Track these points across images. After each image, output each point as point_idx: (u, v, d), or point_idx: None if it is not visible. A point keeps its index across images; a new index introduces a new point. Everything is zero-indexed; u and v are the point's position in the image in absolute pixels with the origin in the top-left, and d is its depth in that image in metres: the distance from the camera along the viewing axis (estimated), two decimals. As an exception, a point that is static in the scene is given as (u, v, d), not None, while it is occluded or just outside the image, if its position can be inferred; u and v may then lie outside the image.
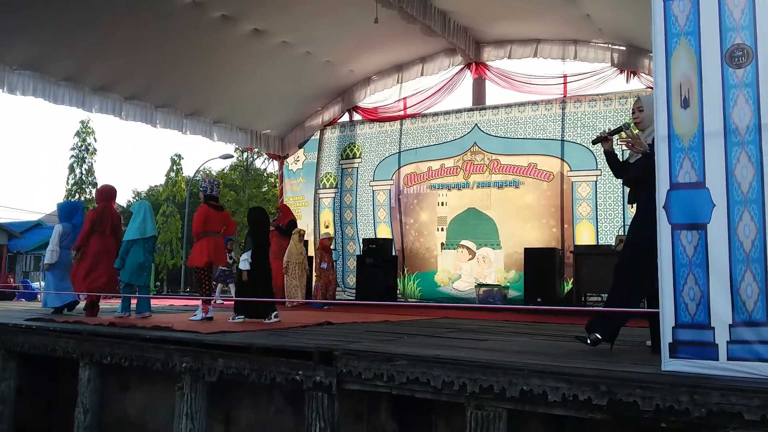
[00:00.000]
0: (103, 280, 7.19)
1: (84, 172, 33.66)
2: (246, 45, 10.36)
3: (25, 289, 15.24)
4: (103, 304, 7.57)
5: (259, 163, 35.94)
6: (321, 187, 13.83)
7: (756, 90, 3.17)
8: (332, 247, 11.58)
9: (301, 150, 14.14)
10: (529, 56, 11.64)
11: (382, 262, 11.49)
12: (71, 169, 33.65)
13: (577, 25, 10.38)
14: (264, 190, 34.86)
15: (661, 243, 3.32)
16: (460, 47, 11.41)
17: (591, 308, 4.29)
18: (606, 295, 5.68)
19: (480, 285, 11.23)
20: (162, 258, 33.05)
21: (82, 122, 33.63)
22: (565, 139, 11.10)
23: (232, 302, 9.98)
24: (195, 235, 6.99)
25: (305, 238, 11.12)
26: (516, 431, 3.58)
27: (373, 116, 13.27)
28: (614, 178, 4.85)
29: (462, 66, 12.22)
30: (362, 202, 13.23)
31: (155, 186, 40.66)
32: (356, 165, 13.42)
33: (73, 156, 33.80)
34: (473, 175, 11.99)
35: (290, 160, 14.34)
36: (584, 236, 10.78)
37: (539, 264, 10.18)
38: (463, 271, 11.95)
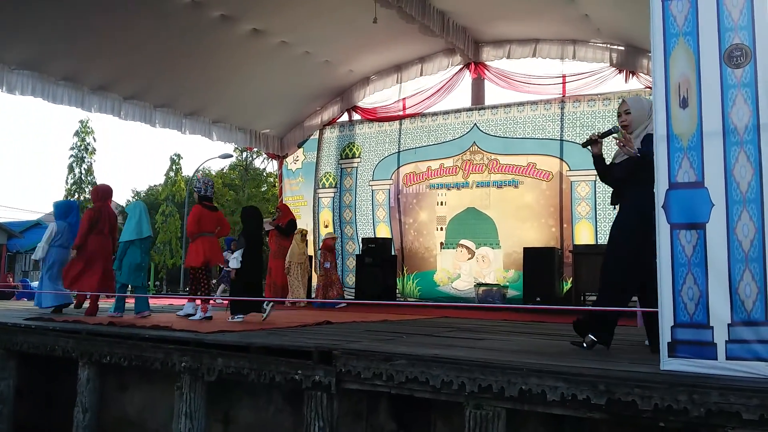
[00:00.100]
0: (96, 279, 7.17)
1: (83, 171, 33.66)
2: (245, 45, 10.36)
3: (24, 289, 15.23)
4: (103, 303, 7.57)
5: (259, 162, 35.99)
6: (320, 186, 13.84)
7: (755, 90, 3.18)
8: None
9: (301, 150, 14.15)
10: (528, 56, 11.65)
11: (381, 262, 11.50)
12: (70, 168, 33.65)
13: (576, 25, 10.39)
14: (263, 189, 34.88)
15: (660, 243, 3.32)
16: (459, 47, 11.41)
17: (590, 308, 4.29)
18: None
19: (479, 284, 11.24)
20: (161, 257, 33.06)
21: (82, 122, 33.65)
22: (564, 138, 11.11)
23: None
24: (189, 235, 7.03)
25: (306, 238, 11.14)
26: (515, 431, 3.58)
27: (373, 116, 13.27)
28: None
29: (461, 66, 12.22)
30: (361, 201, 13.23)
31: (154, 186, 40.65)
32: (355, 165, 13.42)
33: (72, 156, 33.80)
34: (472, 174, 12.00)
35: (289, 159, 14.34)
36: (583, 236, 10.79)
37: (538, 263, 10.19)
38: (463, 271, 11.95)
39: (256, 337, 5.01)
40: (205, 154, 72.80)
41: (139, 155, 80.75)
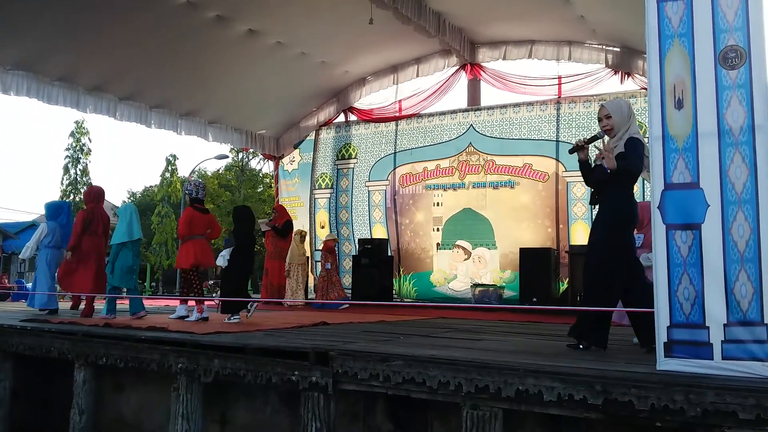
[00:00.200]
0: (90, 280, 7.19)
1: (78, 172, 33.53)
2: (241, 45, 10.35)
3: (19, 290, 15.19)
4: (99, 305, 7.57)
5: (255, 163, 35.94)
6: (317, 187, 13.83)
7: (749, 91, 3.20)
8: (318, 247, 11.61)
9: (297, 150, 14.14)
10: (523, 57, 11.67)
11: (377, 263, 11.50)
12: (66, 169, 33.52)
13: (572, 26, 10.41)
14: (259, 190, 34.84)
15: (655, 243, 3.33)
16: (455, 48, 11.42)
17: (586, 308, 4.30)
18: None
19: (475, 285, 11.25)
20: (157, 259, 32.99)
21: (77, 122, 33.51)
22: (560, 139, 11.13)
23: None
24: (180, 237, 7.06)
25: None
26: (512, 431, 3.59)
27: (369, 117, 13.27)
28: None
29: (457, 67, 12.23)
30: (358, 202, 13.23)
31: (150, 186, 40.58)
32: (352, 165, 13.42)
33: (67, 156, 33.67)
34: (468, 175, 12.01)
35: (285, 160, 14.33)
36: (579, 236, 10.80)
37: (534, 264, 10.20)
38: (459, 271, 11.96)
39: (253, 338, 5.01)
40: (201, 154, 72.66)
41: (135, 156, 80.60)
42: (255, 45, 10.48)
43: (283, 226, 10.69)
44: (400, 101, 12.89)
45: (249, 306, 6.58)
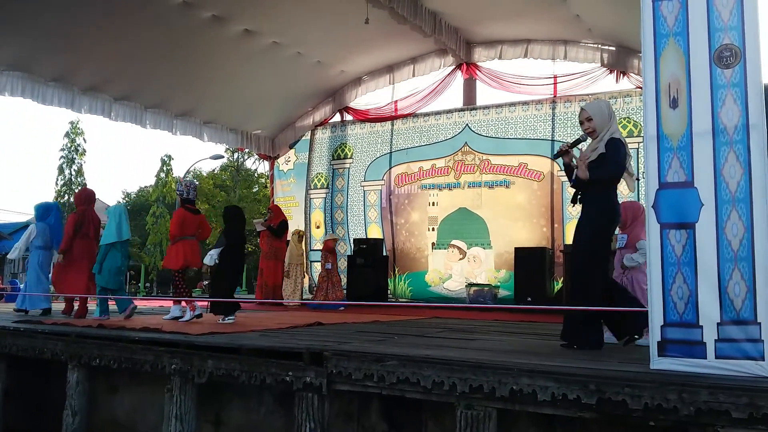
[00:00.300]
0: (83, 282, 7.23)
1: (73, 173, 33.41)
2: (236, 45, 10.33)
3: (13, 290, 15.12)
4: (91, 305, 7.55)
5: (250, 163, 35.89)
6: (312, 187, 13.81)
7: (744, 90, 3.19)
8: (319, 247, 11.57)
9: (292, 150, 14.11)
10: (519, 57, 11.66)
11: (372, 263, 11.48)
12: (60, 170, 33.40)
13: (567, 25, 10.41)
14: (255, 190, 34.80)
15: (650, 242, 3.34)
16: (451, 48, 11.41)
17: (580, 308, 4.30)
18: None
19: (470, 285, 11.24)
20: (151, 259, 32.89)
21: (72, 123, 33.39)
22: (555, 139, 11.13)
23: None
24: (171, 237, 7.05)
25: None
26: (506, 431, 3.58)
27: (364, 116, 13.26)
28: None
29: (453, 67, 12.23)
30: (353, 202, 13.22)
31: (145, 187, 40.47)
32: (347, 165, 13.41)
33: (62, 157, 33.56)
34: (464, 175, 12.00)
35: (281, 160, 14.31)
36: (574, 236, 10.81)
37: (529, 263, 10.20)
38: (454, 271, 11.96)
39: (247, 338, 4.99)
40: (196, 155, 72.67)
41: (130, 156, 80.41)
42: (251, 45, 10.46)
43: (278, 226, 10.67)
44: (396, 102, 12.89)
45: (230, 316, 6.55)
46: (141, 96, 11.13)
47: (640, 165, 10.20)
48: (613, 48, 10.71)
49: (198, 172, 35.61)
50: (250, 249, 28.18)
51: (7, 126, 73.01)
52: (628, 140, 10.98)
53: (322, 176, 13.71)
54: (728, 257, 3.13)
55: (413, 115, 12.67)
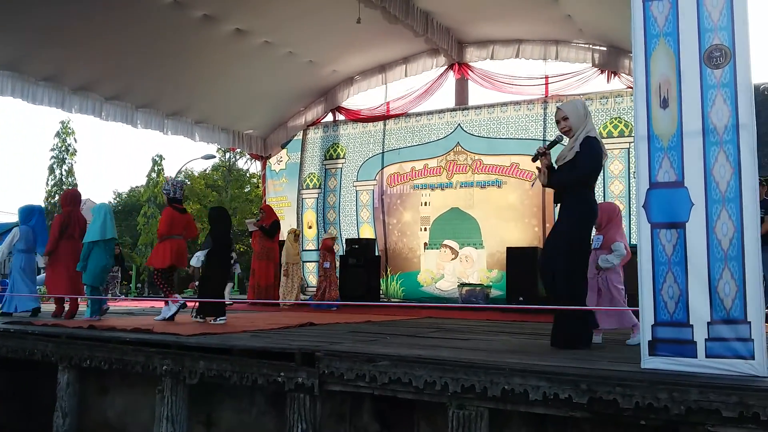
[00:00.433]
0: (67, 283, 7.23)
1: (64, 173, 33.27)
2: (228, 45, 10.30)
3: (3, 292, 15.02)
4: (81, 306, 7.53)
5: (242, 163, 35.77)
6: (304, 187, 13.80)
7: (734, 90, 3.21)
8: (310, 247, 11.56)
9: (284, 150, 14.09)
10: (511, 57, 11.69)
11: (365, 263, 11.48)
12: (51, 170, 33.24)
13: (559, 25, 10.44)
14: (247, 190, 34.69)
15: (640, 242, 3.35)
16: (443, 48, 11.42)
17: (572, 307, 4.31)
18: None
19: (463, 284, 11.25)
20: (143, 260, 32.72)
21: (63, 123, 33.25)
22: (546, 139, 11.15)
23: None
24: (159, 236, 7.03)
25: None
26: (498, 430, 3.59)
27: (356, 116, 13.26)
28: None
29: (445, 67, 12.24)
30: (345, 202, 13.21)
31: (136, 187, 40.30)
32: (340, 165, 13.40)
33: (53, 157, 33.40)
34: (456, 175, 12.02)
35: (273, 160, 14.28)
36: (566, 236, 10.83)
37: (521, 263, 10.20)
38: (446, 271, 11.97)
39: (239, 339, 4.98)
40: (188, 155, 72.32)
41: (121, 156, 80.00)
42: (242, 44, 10.43)
43: (270, 227, 10.65)
44: (388, 103, 12.89)
45: (219, 318, 6.54)
46: (132, 96, 11.08)
47: (631, 165, 10.26)
48: (604, 48, 10.75)
49: (189, 172, 35.48)
50: (242, 249, 28.12)
51: (-3, 126, 72.49)
52: (618, 140, 11.15)
53: (314, 176, 13.70)
54: (718, 257, 3.14)
55: (405, 115, 12.68)
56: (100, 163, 72.52)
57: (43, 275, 8.36)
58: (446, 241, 12.00)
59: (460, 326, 6.58)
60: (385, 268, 12.44)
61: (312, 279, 13.17)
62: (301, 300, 10.95)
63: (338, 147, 13.47)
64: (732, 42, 3.23)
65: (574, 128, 4.44)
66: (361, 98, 13.37)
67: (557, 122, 4.57)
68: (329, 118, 13.68)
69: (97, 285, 7.12)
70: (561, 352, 4.19)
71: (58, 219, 7.43)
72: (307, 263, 13.28)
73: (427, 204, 12.30)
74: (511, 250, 10.54)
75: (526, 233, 11.24)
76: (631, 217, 10.11)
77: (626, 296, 4.83)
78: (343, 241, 12.60)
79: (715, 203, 3.19)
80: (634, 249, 3.82)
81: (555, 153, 4.65)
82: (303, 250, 13.19)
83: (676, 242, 3.23)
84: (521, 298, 9.92)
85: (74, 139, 33.81)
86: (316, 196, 13.61)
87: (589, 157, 4.32)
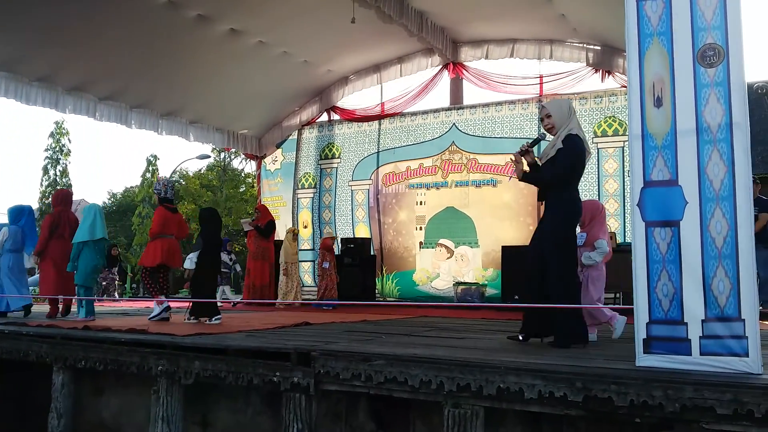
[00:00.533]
0: (56, 282, 7.24)
1: (58, 173, 33.10)
2: (222, 45, 10.28)
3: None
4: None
5: (237, 163, 35.70)
6: (300, 187, 13.79)
7: (727, 89, 3.22)
8: (306, 246, 11.53)
9: (279, 150, 14.07)
10: (505, 56, 11.70)
11: (360, 262, 11.48)
12: (45, 170, 33.07)
13: (553, 24, 10.46)
14: (242, 190, 34.62)
15: (635, 240, 3.36)
16: (438, 47, 11.43)
17: (566, 305, 4.32)
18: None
19: (458, 283, 11.26)
20: (138, 260, 32.64)
21: (57, 123, 33.07)
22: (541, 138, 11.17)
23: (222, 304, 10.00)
24: (151, 235, 7.02)
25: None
26: (493, 429, 3.60)
27: (351, 116, 13.25)
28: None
29: (440, 66, 12.25)
30: (341, 202, 13.21)
31: (131, 187, 40.19)
32: (335, 165, 13.40)
33: (47, 157, 33.24)
34: (451, 174, 12.03)
35: (268, 160, 14.26)
36: (561, 234, 10.85)
37: (517, 262, 10.19)
38: (442, 270, 11.98)
39: (234, 339, 4.97)
40: (183, 155, 72.19)
41: (116, 157, 79.78)
42: (237, 44, 10.41)
43: (265, 226, 10.63)
44: (382, 102, 12.90)
45: (214, 318, 6.54)
46: (126, 96, 11.05)
47: (625, 164, 10.28)
48: (599, 47, 10.77)
49: (184, 172, 35.40)
50: (237, 249, 28.06)
51: (-9, 126, 72.16)
52: (613, 139, 11.16)
53: (309, 176, 13.69)
54: (712, 255, 3.15)
55: (400, 114, 12.68)
56: (95, 163, 72.33)
57: (36, 276, 8.34)
58: (441, 240, 12.01)
59: (455, 325, 6.58)
60: (380, 267, 12.44)
61: (307, 278, 13.16)
62: (303, 300, 10.91)
63: (333, 147, 13.47)
64: (725, 41, 3.24)
65: (556, 126, 4.52)
66: (356, 98, 13.39)
67: (541, 120, 4.68)
68: (324, 117, 13.67)
69: (89, 285, 7.11)
70: (556, 350, 4.20)
71: (48, 219, 7.44)
72: (302, 263, 13.27)
73: (423, 203, 12.31)
74: (506, 249, 10.54)
75: (521, 232, 11.25)
76: (626, 215, 10.15)
77: (603, 293, 4.89)
78: (339, 240, 12.60)
79: (709, 201, 3.20)
80: (627, 247, 3.83)
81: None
82: (299, 250, 13.18)
83: (671, 240, 3.24)
84: (516, 297, 9.91)
85: (68, 139, 33.63)
86: (312, 195, 13.60)
87: (569, 154, 4.38)
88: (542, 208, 11.20)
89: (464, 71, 12.15)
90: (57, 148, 33.29)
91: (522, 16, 10.63)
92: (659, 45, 3.39)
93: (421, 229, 12.26)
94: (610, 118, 10.77)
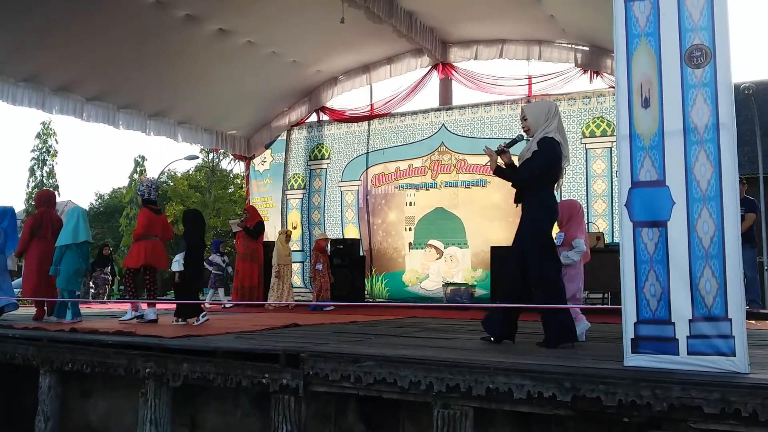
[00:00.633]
0: (36, 283, 7.19)
1: (45, 174, 32.86)
2: (211, 45, 10.25)
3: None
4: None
5: (225, 164, 35.58)
6: (289, 188, 13.76)
7: (714, 89, 3.23)
8: (295, 248, 11.49)
9: (268, 151, 14.04)
10: (494, 57, 11.74)
11: (349, 263, 11.47)
12: (32, 171, 32.81)
13: (542, 25, 10.49)
14: (230, 191, 34.50)
15: (623, 240, 3.36)
16: (427, 48, 11.45)
17: (555, 305, 4.34)
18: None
19: (447, 284, 11.28)
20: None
21: (44, 124, 32.84)
22: (530, 138, 11.20)
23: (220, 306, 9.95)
24: (135, 237, 7.00)
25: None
26: (482, 429, 3.60)
27: (341, 116, 13.24)
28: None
29: (429, 67, 12.26)
30: (330, 203, 13.20)
31: (119, 188, 39.95)
32: (325, 166, 13.38)
33: (33, 158, 32.99)
34: (441, 174, 12.04)
35: (257, 161, 14.22)
36: (550, 235, 10.89)
37: (506, 262, 10.23)
38: (431, 271, 11.99)
39: (222, 341, 4.95)
40: (171, 155, 71.79)
41: (103, 157, 79.32)
42: (225, 44, 10.37)
43: (254, 227, 10.59)
44: (372, 103, 12.89)
45: (200, 317, 6.52)
46: (113, 96, 10.99)
47: (613, 164, 10.33)
48: (587, 48, 10.82)
49: (172, 173, 35.23)
50: (226, 251, 27.95)
51: (-24, 127, 71.50)
52: (601, 140, 11.20)
53: (299, 177, 13.66)
54: (699, 255, 3.17)
55: (390, 115, 12.69)
56: (82, 164, 71.85)
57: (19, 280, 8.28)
58: (431, 241, 12.02)
59: (444, 326, 6.59)
60: (369, 268, 12.43)
61: (296, 279, 13.12)
62: (297, 302, 10.86)
63: (323, 147, 13.45)
64: (712, 42, 3.26)
65: (532, 128, 4.61)
66: (345, 98, 13.39)
67: (521, 121, 4.73)
68: (313, 118, 13.65)
69: (71, 289, 7.06)
70: (544, 350, 4.21)
71: (30, 220, 7.40)
72: (293, 264, 13.24)
73: (412, 204, 12.31)
74: (495, 250, 10.57)
75: (510, 232, 11.08)
76: (614, 215, 10.19)
77: (579, 290, 4.92)
78: (328, 241, 12.58)
79: (696, 202, 3.21)
80: (615, 247, 3.84)
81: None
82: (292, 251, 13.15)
83: (658, 240, 3.26)
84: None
85: (55, 140, 33.42)
86: (301, 196, 13.57)
87: (543, 156, 4.45)
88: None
89: (453, 72, 12.17)
90: (44, 149, 33.04)
91: (511, 17, 10.66)
92: (647, 46, 3.40)
93: (410, 229, 12.27)
94: (598, 118, 10.82)
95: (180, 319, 6.53)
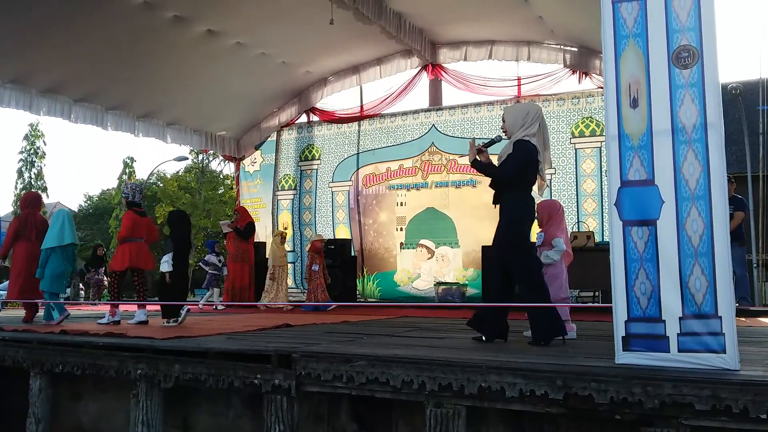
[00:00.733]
0: (20, 285, 7.16)
1: (33, 176, 32.57)
2: (200, 46, 10.22)
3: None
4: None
5: (215, 165, 35.46)
6: (279, 188, 13.74)
7: (702, 90, 3.26)
8: (291, 249, 11.47)
9: (258, 152, 14.02)
10: (484, 58, 11.78)
11: (341, 263, 11.46)
12: (20, 173, 32.51)
13: (530, 26, 10.54)
14: (220, 192, 34.38)
15: (612, 239, 3.39)
16: (416, 49, 11.46)
17: (546, 305, 4.37)
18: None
19: (439, 284, 11.30)
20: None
21: (32, 125, 32.57)
22: (507, 140, 11.24)
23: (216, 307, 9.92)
24: (120, 239, 6.98)
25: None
26: (475, 428, 3.61)
27: (330, 117, 13.24)
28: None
29: (419, 68, 12.29)
30: (321, 203, 13.20)
31: (108, 190, 39.71)
32: (315, 167, 13.37)
33: (21, 160, 32.70)
34: (431, 175, 12.07)
35: (247, 161, 14.20)
36: (540, 234, 10.94)
37: (488, 263, 10.26)
38: (422, 271, 12.01)
39: (214, 342, 4.93)
40: (160, 156, 71.48)
41: (92, 159, 78.85)
42: (214, 45, 10.35)
43: (245, 228, 10.57)
44: (362, 105, 12.90)
45: (181, 309, 6.52)
46: (102, 97, 10.93)
47: (602, 164, 10.39)
48: (576, 49, 10.87)
49: (162, 174, 35.06)
50: (220, 252, 27.84)
51: (-37, 129, 70.91)
52: (590, 139, 11.25)
53: (289, 178, 13.65)
54: (689, 253, 3.20)
55: (380, 115, 12.70)
56: (71, 166, 71.40)
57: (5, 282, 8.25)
58: (422, 241, 12.04)
59: (436, 325, 6.60)
60: (361, 268, 12.44)
61: (288, 281, 13.09)
62: (297, 302, 10.84)
63: (313, 148, 13.44)
64: (700, 42, 3.29)
65: (509, 131, 4.72)
66: (335, 99, 13.41)
67: (502, 122, 4.82)
68: (303, 119, 13.65)
69: (55, 291, 7.03)
70: (536, 348, 4.24)
71: (15, 222, 7.37)
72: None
73: (403, 204, 12.33)
74: (486, 249, 10.59)
75: (500, 232, 11.29)
76: (604, 215, 10.25)
77: (564, 291, 4.95)
78: (324, 242, 12.57)
79: (685, 201, 3.24)
80: (605, 246, 3.87)
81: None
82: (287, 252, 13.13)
83: (648, 239, 3.28)
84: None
85: (43, 142, 33.15)
86: (292, 197, 13.56)
87: (517, 157, 4.54)
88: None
89: (443, 73, 12.20)
90: (32, 151, 32.75)
91: (500, 18, 10.70)
92: (635, 46, 3.43)
93: (401, 229, 12.29)
94: (587, 118, 10.88)
95: (169, 320, 6.51)
